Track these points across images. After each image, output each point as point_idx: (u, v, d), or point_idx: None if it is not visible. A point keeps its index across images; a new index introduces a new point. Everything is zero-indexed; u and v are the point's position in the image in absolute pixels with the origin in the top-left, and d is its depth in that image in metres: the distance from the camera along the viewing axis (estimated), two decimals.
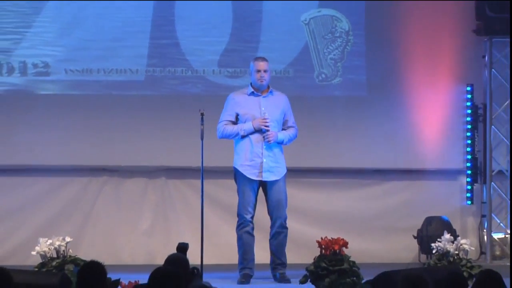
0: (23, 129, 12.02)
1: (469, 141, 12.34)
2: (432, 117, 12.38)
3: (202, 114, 9.96)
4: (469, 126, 12.34)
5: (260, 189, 10.28)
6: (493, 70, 12.28)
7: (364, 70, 12.29)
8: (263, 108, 10.07)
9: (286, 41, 12.22)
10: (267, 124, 9.99)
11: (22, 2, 12.06)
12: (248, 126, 10.03)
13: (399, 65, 12.32)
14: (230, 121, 10.13)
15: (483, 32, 12.18)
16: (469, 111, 12.32)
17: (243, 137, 10.08)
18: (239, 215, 10.23)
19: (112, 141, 12.08)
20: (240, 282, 10.19)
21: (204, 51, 12.18)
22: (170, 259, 7.72)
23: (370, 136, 12.22)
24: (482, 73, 12.35)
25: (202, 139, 9.96)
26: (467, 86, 12.31)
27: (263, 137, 10.02)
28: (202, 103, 10.37)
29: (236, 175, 10.21)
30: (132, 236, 12.11)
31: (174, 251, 8.14)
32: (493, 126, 12.30)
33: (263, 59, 10.20)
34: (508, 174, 12.32)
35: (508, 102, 12.27)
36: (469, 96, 12.31)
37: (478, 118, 12.34)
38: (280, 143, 10.12)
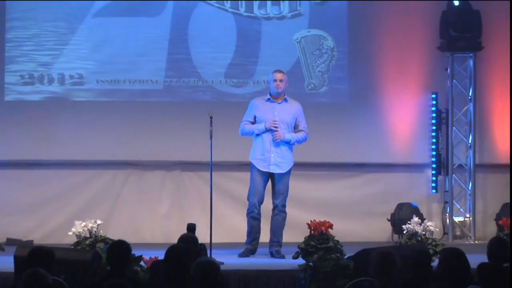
0: (60, 130, 11.99)
1: (434, 140, 12.34)
2: (403, 120, 12.37)
3: (211, 118, 9.92)
4: (434, 128, 12.32)
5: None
6: (454, 80, 12.29)
7: (346, 81, 12.27)
8: (276, 113, 10.14)
9: (281, 56, 12.15)
10: (276, 125, 10.07)
11: (60, 24, 11.96)
12: (261, 127, 10.11)
13: (376, 76, 12.31)
14: (249, 121, 10.20)
15: (446, 48, 12.18)
16: (434, 115, 12.30)
17: (257, 135, 10.16)
18: (249, 200, 10.27)
19: (135, 140, 12.06)
20: (239, 255, 10.29)
21: (213, 65, 12.14)
22: (183, 238, 7.84)
23: (352, 136, 12.22)
24: (445, 83, 12.34)
25: (211, 138, 9.93)
26: (432, 94, 12.29)
27: (272, 136, 10.15)
28: (211, 108, 10.28)
29: (251, 166, 10.26)
30: (152, 219, 12.09)
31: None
32: (454, 128, 12.32)
33: (280, 71, 10.27)
34: (467, 167, 12.39)
35: (466, 107, 12.33)
36: (434, 102, 12.29)
37: (441, 121, 12.33)
38: (287, 143, 10.16)
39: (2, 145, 11.96)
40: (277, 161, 10.19)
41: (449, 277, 6.66)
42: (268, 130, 10.11)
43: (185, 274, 6.95)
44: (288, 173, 10.29)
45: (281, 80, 10.17)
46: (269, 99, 10.24)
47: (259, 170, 10.21)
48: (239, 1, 12.21)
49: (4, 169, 12.01)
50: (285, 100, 10.26)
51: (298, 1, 12.26)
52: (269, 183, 10.31)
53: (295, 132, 10.26)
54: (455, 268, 6.72)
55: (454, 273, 6.67)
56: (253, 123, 10.21)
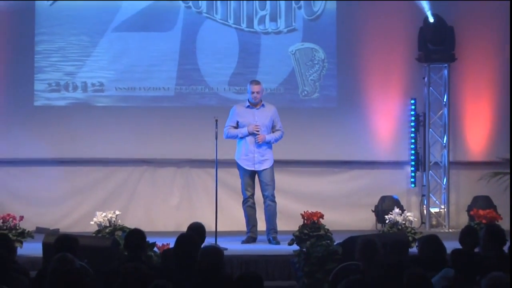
0: (83, 132, 11.98)
1: (412, 140, 12.29)
2: (386, 122, 12.34)
3: (216, 121, 10.02)
4: (412, 129, 12.28)
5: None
6: (430, 88, 12.26)
7: (335, 88, 12.23)
8: (256, 117, 10.22)
9: (278, 67, 12.16)
10: (258, 129, 10.18)
11: (83, 38, 11.95)
12: (244, 131, 10.20)
13: (361, 84, 12.28)
14: (232, 126, 10.27)
15: (424, 60, 12.16)
16: (413, 118, 12.26)
17: (241, 138, 10.25)
18: (243, 194, 10.39)
19: (149, 140, 12.04)
20: (242, 242, 10.35)
21: (218, 74, 12.12)
22: (192, 227, 7.88)
23: (340, 137, 12.18)
24: (423, 90, 12.31)
25: (216, 138, 10.03)
26: (411, 100, 12.25)
27: (255, 139, 10.21)
28: (216, 113, 10.34)
29: (238, 165, 10.35)
30: (164, 210, 12.07)
31: (198, 220, 8.30)
32: (430, 129, 12.31)
33: (257, 82, 10.36)
34: (442, 165, 12.37)
35: (441, 111, 12.32)
36: (413, 107, 12.25)
37: (419, 123, 12.30)
38: (267, 143, 10.23)
39: (31, 145, 11.91)
40: (260, 159, 10.28)
41: (426, 261, 6.67)
42: (250, 133, 10.20)
43: (193, 260, 6.98)
44: (271, 167, 10.33)
45: (257, 92, 10.29)
46: (248, 106, 10.34)
47: (245, 169, 10.31)
48: (241, 18, 12.17)
49: (33, 166, 12.00)
50: (263, 105, 10.37)
51: (293, 18, 12.22)
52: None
53: (273, 132, 10.33)
54: (432, 253, 6.75)
55: (431, 257, 6.69)
56: (235, 127, 10.27)
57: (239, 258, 9.51)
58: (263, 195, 10.38)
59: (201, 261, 6.67)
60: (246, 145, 10.27)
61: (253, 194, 10.40)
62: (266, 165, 10.31)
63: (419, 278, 5.74)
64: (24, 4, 11.98)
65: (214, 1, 12.14)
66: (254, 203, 10.42)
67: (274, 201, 10.40)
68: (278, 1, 12.19)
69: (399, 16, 12.20)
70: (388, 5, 12.11)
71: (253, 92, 10.28)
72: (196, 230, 7.72)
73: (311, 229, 9.92)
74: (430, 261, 6.68)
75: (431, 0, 12.01)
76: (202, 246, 7.02)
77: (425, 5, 12.01)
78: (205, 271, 6.53)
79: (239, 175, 10.46)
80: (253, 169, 10.31)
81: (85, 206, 11.81)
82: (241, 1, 12.15)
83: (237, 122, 10.30)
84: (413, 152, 12.34)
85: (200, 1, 12.12)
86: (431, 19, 11.98)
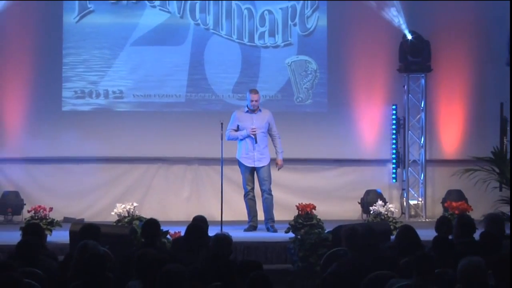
0: (105, 133, 11.97)
1: (394, 141, 12.27)
2: (370, 125, 12.31)
3: (221, 124, 10.11)
4: (394, 131, 12.26)
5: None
6: (409, 95, 12.23)
7: (326, 95, 12.22)
8: (254, 121, 10.29)
9: (275, 76, 12.14)
10: (254, 132, 10.23)
11: (105, 51, 11.93)
12: (244, 133, 10.29)
13: (349, 92, 12.25)
14: (233, 129, 10.35)
15: (404, 70, 12.13)
16: (394, 122, 12.24)
17: (241, 139, 10.33)
18: (244, 188, 10.45)
19: (163, 141, 12.01)
20: (245, 230, 10.40)
21: (223, 83, 12.11)
22: (197, 218, 7.92)
23: (330, 138, 12.14)
24: (403, 97, 12.29)
25: (221, 139, 10.12)
26: (393, 106, 12.23)
27: (255, 145, 10.27)
28: (221, 117, 10.42)
29: (239, 163, 10.41)
30: (176, 202, 12.04)
31: (204, 212, 8.33)
32: (409, 131, 12.28)
33: (255, 92, 10.44)
34: (419, 162, 12.32)
35: (419, 115, 12.29)
36: (394, 112, 12.23)
37: (400, 126, 12.27)
38: (265, 146, 10.34)
39: (59, 145, 11.91)
40: (259, 157, 10.33)
41: (403, 245, 6.74)
42: (247, 136, 10.29)
43: (200, 246, 6.99)
44: (268, 164, 10.37)
45: (256, 100, 10.36)
46: (247, 111, 10.40)
47: (245, 166, 10.34)
48: (243, 33, 12.16)
49: (61, 164, 11.99)
50: (260, 110, 10.42)
51: (289, 34, 12.20)
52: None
53: (271, 136, 10.44)
54: (408, 240, 6.80)
55: (407, 243, 6.74)
56: (236, 130, 10.35)
57: (242, 244, 9.51)
58: (261, 189, 10.42)
59: (212, 247, 6.69)
60: (246, 145, 10.33)
61: (253, 188, 10.46)
62: (264, 162, 10.37)
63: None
64: (53, 22, 11.98)
65: (220, 19, 12.10)
66: (254, 196, 10.47)
67: (270, 194, 10.45)
68: (276, 19, 12.17)
69: (382, 32, 12.17)
70: (372, 23, 12.12)
71: (252, 100, 10.34)
72: (200, 221, 7.74)
73: (305, 219, 9.92)
74: (405, 246, 6.74)
75: (410, 18, 12.03)
76: (214, 234, 7.02)
77: (403, 24, 12.01)
78: (217, 255, 6.54)
79: (241, 172, 10.50)
80: (253, 166, 10.35)
81: (106, 199, 11.78)
82: (244, 19, 12.12)
83: (238, 126, 10.37)
84: (394, 151, 12.33)
85: (207, 19, 12.09)
86: (409, 36, 11.97)
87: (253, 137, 10.27)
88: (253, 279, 5.15)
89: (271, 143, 10.55)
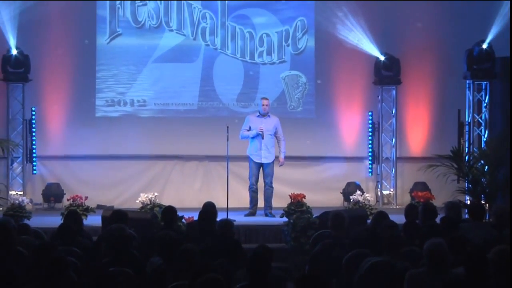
0: (130, 136, 11.95)
1: (370, 142, 12.26)
2: (350, 128, 12.29)
3: (227, 127, 10.07)
4: (370, 134, 12.23)
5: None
6: (383, 103, 12.22)
7: (314, 104, 12.21)
8: (262, 124, 10.30)
9: (272, 88, 12.10)
10: (261, 130, 10.25)
11: (131, 67, 11.91)
12: (254, 132, 10.31)
13: (333, 101, 12.23)
14: (246, 129, 10.36)
15: (378, 83, 12.12)
16: (370, 125, 12.23)
17: (252, 138, 10.33)
18: (249, 180, 10.43)
19: (179, 141, 12.00)
20: (245, 215, 10.40)
21: (229, 93, 12.07)
22: (206, 204, 7.91)
23: (317, 139, 12.16)
24: (377, 105, 12.26)
25: (227, 140, 10.06)
26: (369, 112, 12.22)
27: (260, 141, 10.26)
28: (227, 122, 10.49)
29: (249, 158, 10.41)
30: (190, 192, 11.98)
31: (213, 200, 8.26)
32: (383, 133, 12.27)
33: (266, 98, 10.50)
34: (391, 159, 12.30)
35: (391, 120, 12.25)
36: (370, 117, 12.22)
37: (375, 129, 12.24)
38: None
39: (93, 145, 11.91)
40: (265, 155, 10.33)
41: (377, 228, 6.72)
42: (258, 134, 10.26)
43: (211, 228, 7.00)
44: (272, 162, 10.37)
45: (266, 105, 10.39)
46: (258, 115, 10.40)
47: (254, 161, 10.34)
48: (245, 53, 12.12)
49: (95, 160, 11.98)
50: (269, 115, 10.42)
51: (283, 53, 12.18)
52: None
53: (277, 138, 10.41)
54: (382, 223, 6.79)
55: (381, 226, 6.72)
56: (248, 131, 10.33)
57: (244, 227, 9.57)
58: (264, 182, 10.43)
59: (218, 229, 6.70)
60: (256, 144, 10.33)
61: (257, 181, 10.43)
62: (270, 159, 10.40)
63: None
64: (89, 44, 11.98)
65: (226, 41, 12.08)
66: (257, 189, 10.46)
67: (271, 187, 10.47)
68: (272, 41, 12.15)
69: (360, 52, 12.11)
70: (353, 44, 12.08)
71: (263, 105, 10.38)
72: (210, 207, 7.72)
73: (296, 206, 9.96)
74: (379, 228, 6.69)
75: (384, 40, 12.02)
76: (220, 219, 7.03)
77: (376, 50, 12.03)
78: (221, 236, 6.56)
79: (248, 166, 10.48)
80: (260, 162, 10.34)
81: (132, 189, 11.73)
82: (246, 41, 12.09)
83: (250, 127, 10.37)
84: (370, 150, 12.32)
85: (216, 41, 12.07)
86: (382, 58, 11.99)
87: (260, 133, 10.23)
88: (254, 254, 5.15)
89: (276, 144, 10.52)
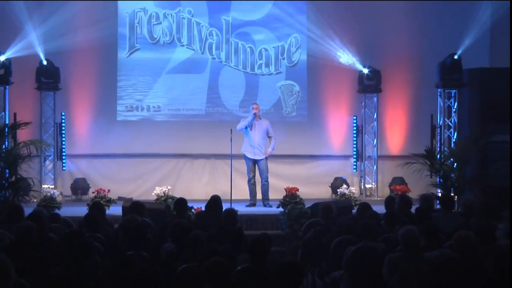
0: (147, 137, 11.91)
1: (355, 142, 12.19)
2: (338, 131, 12.23)
3: (231, 130, 10.07)
4: (355, 135, 12.17)
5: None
6: (366, 109, 12.18)
7: (306, 110, 12.16)
8: (256, 126, 10.26)
9: (269, 96, 12.07)
10: (255, 113, 10.20)
11: (147, 78, 11.86)
12: (249, 119, 10.27)
13: (323, 107, 12.18)
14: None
15: (362, 91, 12.07)
16: (355, 128, 12.17)
17: (246, 136, 10.25)
18: (248, 175, 10.41)
19: (189, 142, 11.96)
20: (246, 206, 10.37)
21: (232, 100, 12.02)
22: (213, 197, 7.79)
23: (308, 140, 12.09)
24: (361, 110, 12.21)
25: (231, 141, 10.05)
26: (354, 117, 12.17)
27: (267, 153, 10.30)
28: (231, 125, 10.44)
29: (244, 156, 10.39)
30: (198, 186, 11.96)
31: (218, 193, 8.24)
32: (366, 135, 12.23)
33: (256, 104, 10.46)
34: (373, 157, 12.27)
35: (373, 124, 12.20)
36: (355, 121, 12.16)
37: (359, 131, 12.19)
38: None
39: (115, 145, 11.89)
40: (257, 152, 10.32)
41: (362, 218, 6.71)
42: (249, 124, 10.21)
43: (217, 217, 7.01)
44: (266, 158, 10.33)
45: (255, 108, 10.35)
46: (252, 118, 10.32)
47: (249, 158, 10.30)
48: (247, 65, 12.09)
49: (117, 158, 11.96)
50: (260, 119, 10.40)
51: (279, 65, 12.14)
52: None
53: (269, 138, 10.38)
54: (366, 213, 6.80)
55: (365, 216, 6.74)
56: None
57: (245, 216, 9.58)
58: (261, 177, 10.42)
59: (224, 218, 6.71)
60: (249, 141, 10.30)
61: (254, 176, 10.41)
62: (262, 156, 10.35)
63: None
64: (110, 58, 11.96)
65: (230, 54, 12.05)
66: (255, 182, 10.45)
67: (267, 181, 10.44)
68: (270, 54, 12.12)
69: (346, 65, 12.05)
70: (339, 58, 12.02)
71: (253, 109, 10.36)
72: (216, 199, 7.70)
73: (291, 198, 9.92)
74: (363, 217, 6.70)
75: (367, 53, 11.96)
76: (224, 209, 7.01)
77: (359, 64, 11.96)
78: (227, 224, 6.57)
79: (245, 163, 10.46)
80: (254, 158, 10.28)
81: (148, 183, 11.71)
82: (247, 54, 12.06)
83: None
84: (355, 149, 12.26)
85: (221, 54, 12.04)
86: (365, 71, 11.93)
87: (254, 116, 10.16)
88: (254, 241, 5.17)
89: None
